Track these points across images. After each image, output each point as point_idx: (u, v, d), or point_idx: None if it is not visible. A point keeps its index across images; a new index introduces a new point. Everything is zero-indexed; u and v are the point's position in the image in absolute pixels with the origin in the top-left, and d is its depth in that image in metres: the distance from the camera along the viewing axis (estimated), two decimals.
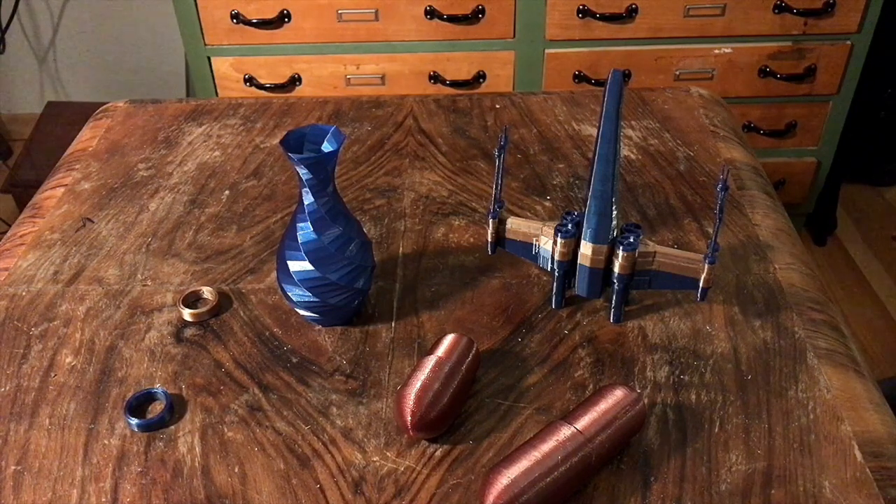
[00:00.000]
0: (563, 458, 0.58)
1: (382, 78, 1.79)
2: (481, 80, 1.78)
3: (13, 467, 0.63)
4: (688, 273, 0.70)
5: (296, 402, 0.68)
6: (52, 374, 0.71)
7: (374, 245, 0.83)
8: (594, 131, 1.02)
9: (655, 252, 0.70)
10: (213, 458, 0.64)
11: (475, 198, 0.91)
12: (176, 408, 0.68)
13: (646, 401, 0.67)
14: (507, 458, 0.58)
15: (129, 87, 2.40)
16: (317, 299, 0.70)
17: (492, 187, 0.92)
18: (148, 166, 0.98)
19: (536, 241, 0.74)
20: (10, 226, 0.93)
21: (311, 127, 0.68)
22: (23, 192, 2.01)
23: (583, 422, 0.60)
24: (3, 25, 2.29)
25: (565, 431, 0.59)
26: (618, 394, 0.62)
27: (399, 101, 1.09)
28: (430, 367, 0.65)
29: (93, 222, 0.89)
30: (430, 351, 0.68)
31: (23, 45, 2.37)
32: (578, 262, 0.73)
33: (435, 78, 1.78)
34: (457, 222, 0.88)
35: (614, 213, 0.70)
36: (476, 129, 1.03)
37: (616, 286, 0.72)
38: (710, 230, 0.86)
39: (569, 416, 0.61)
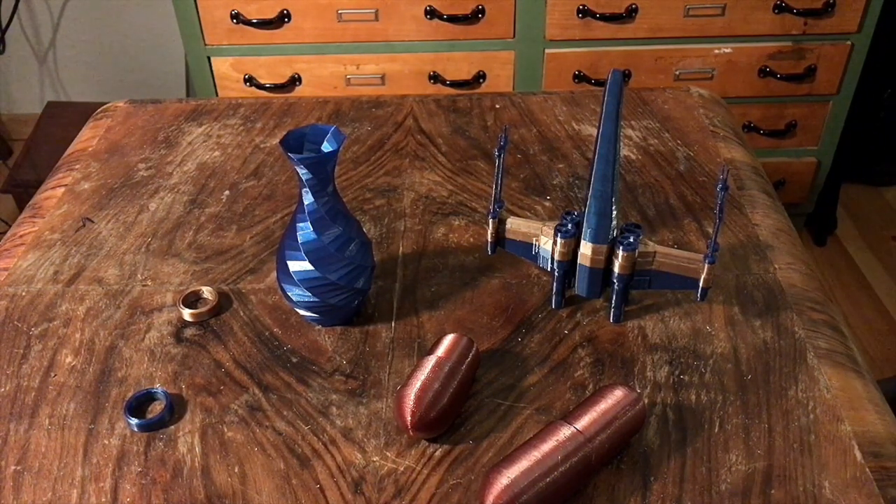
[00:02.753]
0: (563, 458, 0.58)
1: (382, 78, 1.79)
2: (481, 80, 1.78)
3: (13, 467, 0.63)
4: (688, 273, 0.70)
5: (296, 402, 0.68)
6: (52, 374, 0.71)
7: (374, 245, 0.83)
8: (594, 131, 1.02)
9: (655, 252, 0.70)
10: (212, 458, 0.64)
11: (475, 198, 0.91)
12: (176, 408, 0.68)
13: (646, 401, 0.67)
14: (507, 458, 0.58)
15: (129, 87, 2.40)
16: (317, 299, 0.70)
17: (492, 187, 0.92)
18: (148, 166, 0.98)
19: (536, 241, 0.74)
20: (10, 226, 0.93)
21: (311, 127, 0.68)
22: (23, 192, 2.02)
23: (583, 422, 0.60)
24: (3, 25, 2.29)
25: (565, 431, 0.59)
26: (618, 394, 0.62)
27: (399, 101, 1.09)
28: (430, 367, 0.65)
29: (93, 222, 0.89)
30: (430, 351, 0.68)
31: (23, 45, 2.37)
32: (578, 262, 0.73)
33: (435, 78, 1.78)
34: (457, 222, 0.88)
35: (614, 213, 0.70)
36: (476, 129, 1.03)
37: (616, 286, 0.72)
38: (710, 230, 0.86)
39: (569, 416, 0.61)
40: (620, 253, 0.70)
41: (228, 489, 0.61)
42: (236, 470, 0.63)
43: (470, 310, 0.77)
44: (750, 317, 0.75)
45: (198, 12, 1.70)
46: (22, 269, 0.83)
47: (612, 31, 1.73)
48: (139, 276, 0.81)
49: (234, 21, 1.71)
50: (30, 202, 0.95)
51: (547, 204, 0.90)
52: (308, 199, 0.68)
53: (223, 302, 0.78)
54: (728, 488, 0.61)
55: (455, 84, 1.78)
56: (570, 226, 0.72)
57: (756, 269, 0.81)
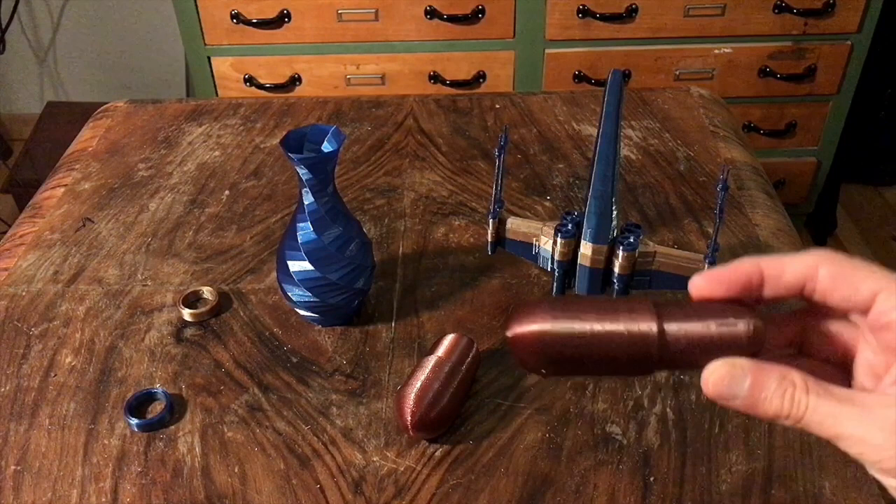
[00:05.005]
0: (622, 325, 0.42)
1: (382, 78, 1.79)
2: (481, 80, 1.78)
3: (13, 467, 0.63)
4: (688, 273, 0.70)
5: (296, 402, 0.68)
6: (52, 374, 0.71)
7: (374, 245, 0.83)
8: (594, 131, 1.02)
9: (655, 252, 0.70)
10: (213, 458, 0.64)
11: (475, 198, 0.91)
12: (176, 408, 0.68)
13: (646, 401, 0.67)
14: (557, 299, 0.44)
15: (129, 87, 2.40)
16: (317, 299, 0.70)
17: (492, 187, 0.92)
18: (148, 166, 0.98)
19: (536, 241, 0.74)
20: (10, 226, 0.94)
21: (311, 127, 0.68)
22: (23, 191, 2.01)
23: (673, 324, 0.42)
24: (3, 25, 2.29)
25: (643, 316, 0.42)
26: (739, 326, 0.42)
27: (399, 101, 1.09)
28: (430, 367, 0.65)
29: (93, 222, 0.89)
30: (430, 351, 0.67)
31: (23, 44, 2.37)
32: (578, 262, 0.73)
33: (435, 78, 1.78)
34: (457, 222, 0.88)
35: (614, 213, 0.70)
36: (476, 129, 1.03)
37: (616, 286, 0.72)
38: (710, 230, 0.86)
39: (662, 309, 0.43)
40: (620, 253, 0.70)
41: (228, 489, 0.61)
42: (236, 470, 0.63)
43: (470, 310, 0.77)
44: None
45: (198, 12, 1.70)
46: (22, 269, 0.83)
47: (612, 31, 1.73)
48: (139, 276, 0.81)
49: (234, 21, 1.71)
50: (30, 202, 0.95)
51: (547, 204, 0.90)
52: (308, 199, 0.68)
53: (223, 302, 0.78)
54: (728, 489, 0.61)
55: (455, 84, 1.78)
56: (570, 226, 0.72)
57: None
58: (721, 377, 0.42)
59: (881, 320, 0.41)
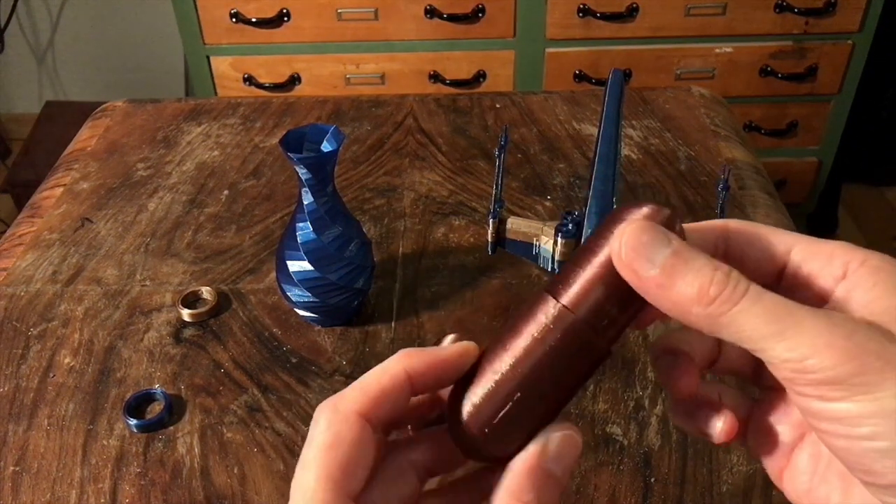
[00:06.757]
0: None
1: (382, 77, 1.78)
2: (481, 79, 1.78)
3: (12, 468, 0.63)
4: None
5: (295, 402, 0.68)
6: (51, 375, 0.71)
7: (374, 245, 0.83)
8: (595, 131, 1.01)
9: None
10: (212, 458, 0.64)
11: (475, 198, 0.91)
12: (175, 408, 0.68)
13: (647, 402, 0.67)
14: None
15: (128, 86, 2.39)
16: (316, 299, 0.70)
17: (492, 187, 0.92)
18: (147, 166, 0.98)
19: (537, 241, 0.74)
20: (8, 226, 0.93)
21: (311, 126, 0.68)
22: (21, 191, 2.01)
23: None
24: (2, 25, 2.28)
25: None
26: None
27: (399, 101, 1.09)
28: None
29: (91, 222, 0.89)
30: None
31: (21, 44, 2.37)
32: None
33: (435, 77, 1.77)
34: (457, 222, 0.87)
35: None
36: (476, 129, 1.03)
37: None
38: None
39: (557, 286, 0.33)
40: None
41: (228, 490, 0.61)
42: (235, 471, 0.63)
43: (470, 310, 0.76)
44: None
45: (197, 11, 1.70)
46: (20, 269, 0.83)
47: (612, 30, 1.72)
48: (138, 276, 0.81)
49: (234, 20, 1.71)
50: (28, 202, 0.95)
51: (547, 204, 0.90)
52: (308, 198, 0.68)
53: (222, 302, 0.78)
54: (729, 489, 0.60)
55: (455, 83, 1.78)
56: (570, 226, 0.72)
57: None
58: (638, 231, 0.31)
59: (801, 272, 0.33)
